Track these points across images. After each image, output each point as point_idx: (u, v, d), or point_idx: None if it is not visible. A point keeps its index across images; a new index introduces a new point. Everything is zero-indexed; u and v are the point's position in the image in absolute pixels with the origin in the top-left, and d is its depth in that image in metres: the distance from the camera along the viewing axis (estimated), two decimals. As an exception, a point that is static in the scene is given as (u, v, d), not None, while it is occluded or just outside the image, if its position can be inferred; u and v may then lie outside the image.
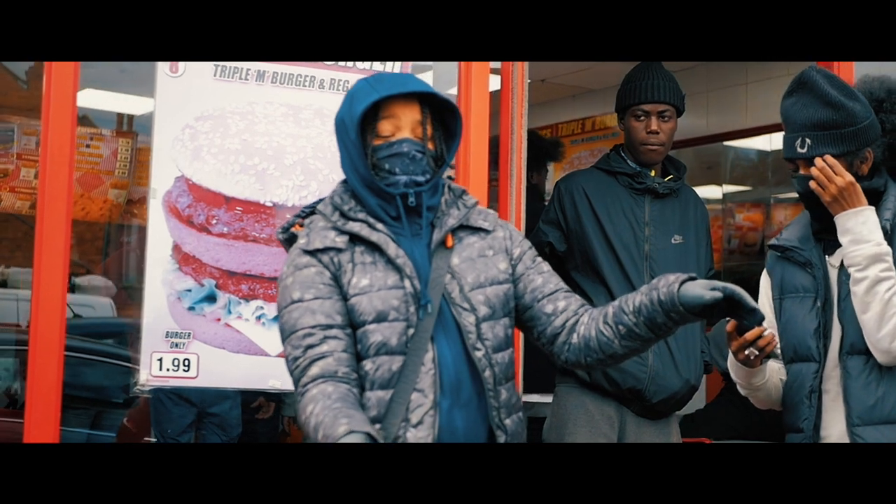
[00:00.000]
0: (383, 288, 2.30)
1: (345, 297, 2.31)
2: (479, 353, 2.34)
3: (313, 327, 2.28)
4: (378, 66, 3.23)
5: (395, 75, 2.41)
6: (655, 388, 3.52)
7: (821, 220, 2.89)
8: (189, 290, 3.03)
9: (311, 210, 2.47)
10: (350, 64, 3.20)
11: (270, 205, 3.08)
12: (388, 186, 2.35)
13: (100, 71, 7.20)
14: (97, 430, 6.47)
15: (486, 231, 2.44)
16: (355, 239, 2.34)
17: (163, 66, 3.02)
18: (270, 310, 3.09)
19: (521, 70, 3.28)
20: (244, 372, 3.07)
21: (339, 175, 3.18)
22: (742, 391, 2.93)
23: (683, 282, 2.29)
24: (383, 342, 2.29)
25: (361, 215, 2.36)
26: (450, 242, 2.39)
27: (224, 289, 3.06)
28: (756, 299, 2.96)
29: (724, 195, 7.10)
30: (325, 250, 2.33)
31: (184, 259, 3.03)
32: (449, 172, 3.35)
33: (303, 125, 3.15)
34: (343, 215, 2.37)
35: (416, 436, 2.26)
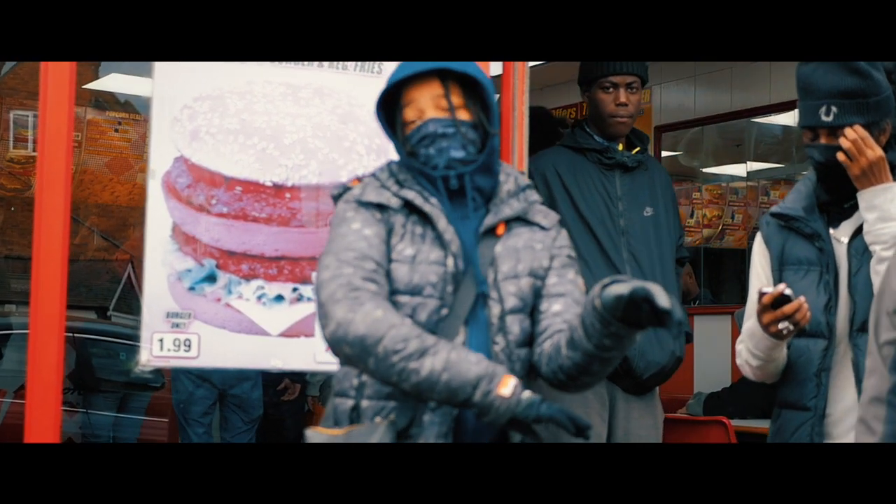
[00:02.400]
0: (424, 262, 2.25)
1: (388, 256, 2.27)
2: (497, 347, 2.26)
3: (368, 258, 2.22)
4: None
5: (413, 62, 2.35)
6: (644, 363, 3.50)
7: (832, 193, 2.79)
8: (189, 271, 3.03)
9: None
10: (349, 42, 3.18)
11: (270, 184, 3.07)
12: (431, 169, 2.30)
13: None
14: (124, 413, 6.56)
15: (542, 228, 2.38)
16: (409, 207, 2.30)
17: (160, 47, 3.02)
18: (271, 289, 3.09)
19: (521, 46, 3.25)
20: (245, 352, 3.07)
21: (339, 155, 3.19)
22: (752, 361, 2.83)
23: (615, 281, 2.12)
24: (410, 316, 2.22)
25: (417, 187, 2.31)
26: (501, 230, 2.33)
27: (224, 269, 3.06)
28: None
29: (749, 173, 7.04)
30: (379, 206, 2.29)
31: (184, 239, 3.03)
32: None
33: (302, 104, 3.13)
34: (398, 183, 2.33)
35: (430, 419, 2.21)
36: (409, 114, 2.31)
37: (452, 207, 2.30)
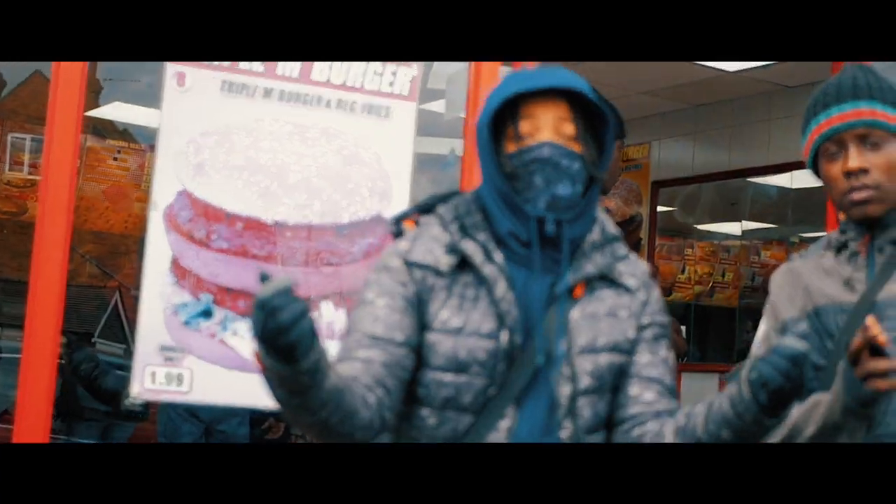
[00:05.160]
0: (474, 335, 1.92)
1: (423, 325, 1.95)
2: (564, 433, 1.94)
3: (367, 335, 1.91)
4: (392, 66, 3.22)
5: (542, 70, 1.98)
6: None
7: None
8: (185, 305, 3.02)
9: (430, 206, 2.07)
10: (358, 84, 3.19)
11: (272, 222, 3.07)
12: (526, 203, 1.95)
13: (128, 84, 7.29)
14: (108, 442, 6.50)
15: (629, 290, 2.02)
16: (464, 264, 1.96)
17: (170, 81, 3.02)
18: (267, 327, 3.07)
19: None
20: (237, 389, 3.05)
21: (342, 196, 3.19)
22: None
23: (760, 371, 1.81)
24: (453, 397, 1.93)
25: (482, 236, 1.97)
26: (579, 292, 1.97)
27: (221, 304, 3.05)
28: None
29: (743, 231, 7.08)
30: (423, 266, 1.96)
31: (182, 273, 3.02)
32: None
33: (308, 144, 3.14)
34: (462, 228, 1.99)
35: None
36: (524, 127, 1.95)
37: (528, 256, 1.96)
